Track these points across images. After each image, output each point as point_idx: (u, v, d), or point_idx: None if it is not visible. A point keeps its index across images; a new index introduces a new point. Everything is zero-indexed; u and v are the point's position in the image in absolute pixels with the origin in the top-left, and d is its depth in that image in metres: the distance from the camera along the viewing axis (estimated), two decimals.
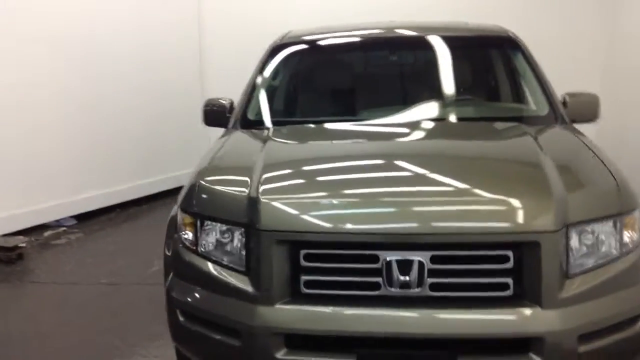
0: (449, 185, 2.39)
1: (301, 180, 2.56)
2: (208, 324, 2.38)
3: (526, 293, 2.16)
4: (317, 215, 2.25)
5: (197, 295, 2.42)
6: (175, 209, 2.71)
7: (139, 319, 3.97)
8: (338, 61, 3.85)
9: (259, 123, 3.42)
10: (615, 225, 2.28)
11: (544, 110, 3.35)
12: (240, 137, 3.19)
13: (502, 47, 3.73)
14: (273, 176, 2.50)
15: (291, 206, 2.29)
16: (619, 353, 2.26)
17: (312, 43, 3.86)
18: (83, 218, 6.24)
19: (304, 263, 2.22)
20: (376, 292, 2.19)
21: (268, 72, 3.70)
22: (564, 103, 3.43)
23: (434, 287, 2.16)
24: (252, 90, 3.59)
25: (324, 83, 3.76)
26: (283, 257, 2.23)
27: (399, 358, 2.15)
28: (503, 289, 2.17)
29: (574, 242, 2.21)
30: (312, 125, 3.27)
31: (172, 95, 7.16)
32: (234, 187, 2.48)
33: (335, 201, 2.31)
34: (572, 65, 6.43)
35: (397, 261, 2.16)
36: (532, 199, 2.22)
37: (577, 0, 6.90)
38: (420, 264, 2.15)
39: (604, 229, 2.27)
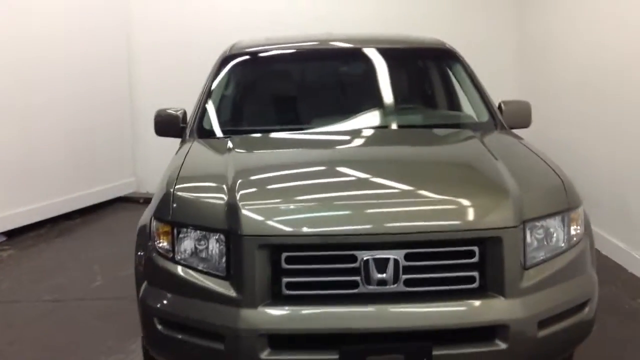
0: (418, 187, 2.57)
1: (275, 187, 2.67)
2: (189, 330, 2.42)
3: (490, 285, 2.35)
4: (297, 219, 2.37)
5: (175, 302, 2.46)
6: (145, 219, 2.74)
7: (90, 335, 3.91)
8: (288, 72, 3.98)
9: (215, 133, 3.48)
10: (563, 221, 2.53)
11: (485, 117, 3.61)
12: (202, 147, 3.25)
13: (442, 58, 3.98)
14: (247, 183, 2.58)
15: (271, 212, 2.39)
16: (571, 336, 2.50)
17: (262, 54, 3.98)
18: (13, 235, 6.00)
19: (285, 266, 2.32)
20: (355, 290, 2.32)
21: (221, 82, 3.77)
22: (500, 110, 3.71)
23: (408, 282, 2.32)
24: (206, 100, 3.64)
25: (276, 93, 3.88)
26: (264, 261, 2.31)
27: (378, 352, 2.28)
28: (470, 282, 2.35)
29: (529, 236, 2.43)
30: (271, 135, 3.38)
31: (101, 107, 7.00)
32: (209, 194, 2.55)
33: (312, 205, 2.44)
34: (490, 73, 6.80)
35: (374, 260, 2.30)
36: (493, 199, 2.44)
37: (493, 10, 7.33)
38: (396, 261, 2.30)
39: (554, 224, 2.50)
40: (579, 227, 2.58)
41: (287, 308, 2.30)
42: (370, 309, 2.29)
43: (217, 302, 2.36)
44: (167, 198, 2.56)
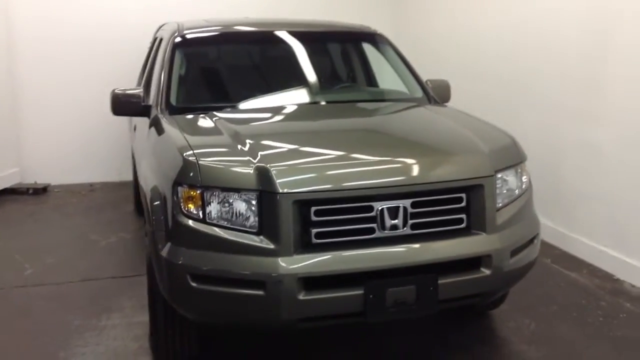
0: (414, 147, 3.05)
1: (291, 150, 2.97)
2: (225, 281, 2.65)
3: (474, 224, 2.88)
4: (324, 177, 2.71)
5: (210, 258, 2.67)
6: (153, 187, 2.97)
7: (53, 317, 3.90)
8: (245, 52, 4.24)
9: (185, 110, 3.66)
10: (516, 171, 3.13)
11: (419, 93, 4.17)
12: (187, 121, 3.44)
13: (375, 42, 4.47)
14: (264, 148, 2.88)
15: (300, 172, 2.72)
16: (528, 264, 3.11)
17: (218, 35, 4.22)
18: None
19: (314, 218, 2.66)
20: (372, 236, 2.72)
21: (178, 63, 3.93)
22: None
23: (414, 226, 2.77)
24: (169, 79, 3.79)
25: (237, 72, 4.12)
26: (297, 215, 2.64)
27: (396, 284, 2.70)
28: (459, 223, 2.86)
29: (498, 184, 3.00)
30: (253, 107, 3.67)
31: None
32: (232, 159, 2.81)
33: (334, 164, 2.79)
34: None
35: (388, 208, 2.72)
36: (474, 154, 2.97)
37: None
38: (404, 209, 2.74)
39: (512, 174, 3.09)
40: (525, 177, 3.21)
41: (318, 254, 2.65)
42: (386, 249, 2.71)
43: (254, 254, 2.64)
44: (191, 164, 2.76)
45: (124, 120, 7.38)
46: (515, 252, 2.96)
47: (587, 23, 4.61)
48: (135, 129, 4.60)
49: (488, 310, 3.81)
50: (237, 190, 2.68)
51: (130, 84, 7.09)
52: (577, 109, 4.76)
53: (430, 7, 7.16)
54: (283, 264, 2.60)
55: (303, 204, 2.65)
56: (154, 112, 3.68)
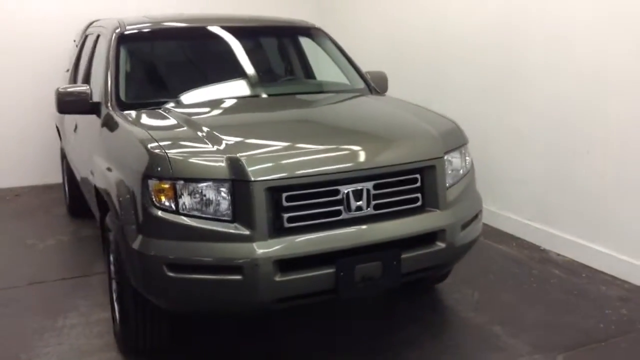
0: (373, 133, 3.25)
1: (256, 140, 3.08)
2: (201, 269, 2.75)
3: (428, 202, 3.12)
4: (293, 164, 2.86)
5: (185, 248, 2.76)
6: (113, 183, 3.04)
7: (8, 322, 3.83)
8: (188, 47, 4.28)
9: (135, 105, 3.68)
10: (461, 153, 3.40)
11: (360, 84, 4.39)
12: (143, 115, 3.48)
13: (314, 35, 4.64)
14: (228, 139, 2.97)
15: (270, 160, 2.85)
16: (473, 238, 3.38)
17: (162, 30, 4.25)
18: None
19: (285, 203, 2.81)
20: (339, 217, 2.90)
21: (123, 58, 3.94)
22: None
23: (376, 207, 2.98)
24: (116, 76, 3.80)
25: (182, 67, 4.18)
26: (269, 201, 2.77)
27: (363, 261, 2.90)
28: (415, 202, 3.10)
29: (446, 165, 3.25)
30: (202, 101, 3.76)
31: None
32: (200, 150, 2.90)
33: (301, 152, 2.94)
34: None
35: (353, 191, 2.91)
36: (426, 138, 3.21)
37: None
38: (367, 191, 2.94)
39: (458, 155, 3.36)
40: (468, 158, 3.49)
41: (291, 237, 2.80)
42: (353, 229, 2.90)
43: (229, 241, 2.75)
44: (160, 157, 2.82)
45: (46, 123, 7.20)
46: (464, 227, 3.23)
47: (505, 15, 4.99)
48: (75, 128, 4.53)
49: (434, 284, 4.09)
50: (209, 180, 2.78)
51: (53, 88, 6.94)
52: (501, 97, 5.14)
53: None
54: (259, 249, 2.73)
55: (274, 190, 2.79)
56: (104, 109, 3.67)
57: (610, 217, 4.27)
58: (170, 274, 2.77)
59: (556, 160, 4.68)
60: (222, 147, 2.89)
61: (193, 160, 2.84)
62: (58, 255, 5.11)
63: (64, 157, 6.05)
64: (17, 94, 7.15)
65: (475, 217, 3.40)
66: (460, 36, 5.52)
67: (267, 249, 2.74)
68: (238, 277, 2.73)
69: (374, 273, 2.92)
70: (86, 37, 5.34)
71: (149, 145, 2.92)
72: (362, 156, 3.00)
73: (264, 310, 3.10)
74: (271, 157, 2.88)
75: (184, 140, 3.04)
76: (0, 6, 6.97)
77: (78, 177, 5.03)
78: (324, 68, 4.84)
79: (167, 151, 2.85)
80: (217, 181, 2.78)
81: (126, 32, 4.06)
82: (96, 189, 3.54)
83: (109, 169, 3.28)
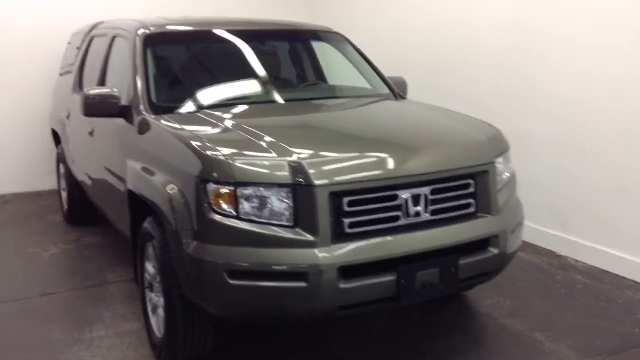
0: (426, 138, 3.22)
1: (315, 144, 3.01)
2: (268, 276, 2.67)
3: (480, 208, 3.10)
4: (355, 169, 2.80)
5: (249, 254, 2.67)
6: (163, 188, 2.93)
7: (28, 335, 3.66)
8: (215, 48, 4.17)
9: (169, 109, 3.57)
10: (505, 158, 3.40)
11: (385, 89, 4.36)
12: (186, 119, 3.37)
13: (337, 41, 4.59)
14: (285, 143, 2.89)
15: (332, 164, 2.79)
16: (519, 244, 3.37)
17: (189, 32, 4.15)
18: None
19: (347, 209, 2.75)
20: (398, 223, 2.85)
21: (155, 59, 3.83)
22: None
23: (432, 212, 2.94)
24: (146, 79, 3.68)
25: (212, 68, 4.07)
26: (331, 206, 2.71)
27: (424, 268, 2.85)
28: (469, 208, 3.07)
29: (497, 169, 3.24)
30: (240, 104, 3.69)
31: None
32: (261, 155, 2.81)
33: (362, 157, 2.88)
34: None
35: (412, 196, 2.87)
36: (477, 143, 3.20)
37: None
38: (425, 196, 2.90)
39: (503, 161, 3.35)
40: (510, 163, 3.49)
41: (353, 243, 2.74)
42: (414, 235, 2.86)
43: (291, 247, 2.66)
44: (221, 162, 2.73)
45: (34, 128, 6.96)
46: (514, 232, 3.22)
47: (517, 18, 5.04)
48: (92, 132, 4.37)
49: (463, 291, 4.06)
50: (271, 185, 2.70)
51: (41, 92, 6.77)
52: (512, 101, 5.17)
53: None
54: (323, 255, 2.66)
55: (337, 195, 2.72)
56: (136, 113, 3.55)
57: (630, 222, 4.32)
58: (231, 282, 2.68)
59: (570, 164, 4.72)
60: (281, 151, 2.82)
61: (254, 164, 2.75)
62: (65, 264, 4.93)
63: (62, 162, 5.84)
64: (3, 98, 6.91)
65: (520, 224, 3.39)
66: (467, 40, 5.54)
67: (331, 255, 2.67)
68: (302, 284, 2.65)
69: (433, 280, 2.88)
70: (92, 39, 5.18)
71: (207, 151, 2.83)
72: (420, 161, 2.97)
73: (326, 318, 3.03)
74: (333, 161, 2.82)
75: (241, 145, 2.95)
76: None
77: (87, 183, 4.86)
78: (339, 73, 4.78)
79: (227, 156, 2.76)
80: (279, 186, 2.70)
81: (152, 34, 3.94)
82: (131, 194, 3.41)
83: (150, 173, 3.17)
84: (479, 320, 3.79)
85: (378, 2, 6.90)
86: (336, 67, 4.83)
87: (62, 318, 3.88)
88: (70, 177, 5.57)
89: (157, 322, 3.27)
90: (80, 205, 5.63)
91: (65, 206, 5.92)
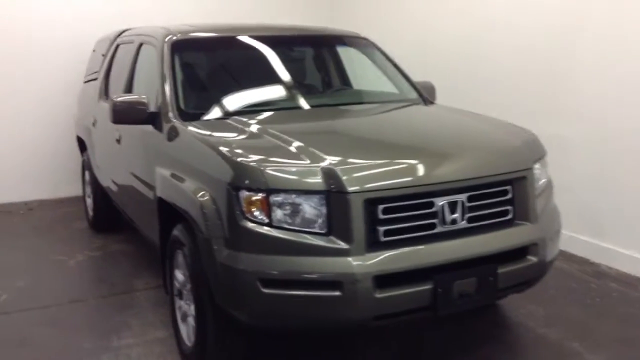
0: (461, 143, 3.14)
1: (346, 150, 2.95)
2: (301, 284, 2.61)
3: (518, 215, 3.01)
4: (390, 175, 2.73)
5: (282, 262, 2.62)
6: (194, 195, 2.87)
7: (56, 342, 3.64)
8: (243, 54, 4.13)
9: (196, 116, 3.53)
10: (542, 164, 3.31)
11: (413, 94, 4.29)
12: (216, 126, 3.34)
13: (365, 46, 4.53)
14: (317, 149, 2.83)
15: (366, 171, 2.72)
16: (557, 253, 3.27)
17: (216, 38, 4.12)
18: None
19: (381, 216, 2.68)
20: (434, 231, 2.78)
21: (182, 66, 3.80)
22: None
23: (469, 220, 2.86)
24: (174, 85, 3.65)
25: (240, 74, 4.03)
26: (366, 214, 2.64)
27: (460, 277, 2.77)
28: (506, 215, 2.99)
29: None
30: (268, 110, 3.64)
31: None
32: (293, 162, 2.76)
33: (396, 162, 2.82)
34: None
35: (448, 203, 2.79)
36: (515, 148, 3.11)
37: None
38: (462, 203, 2.83)
39: (540, 167, 3.26)
40: (546, 169, 3.40)
41: (388, 252, 2.67)
42: (450, 243, 2.78)
43: (325, 255, 2.60)
44: (253, 169, 2.68)
45: (57, 136, 7.01)
46: (551, 240, 3.13)
47: (553, 21, 4.94)
48: (119, 139, 4.35)
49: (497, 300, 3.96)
50: (304, 192, 2.65)
51: (65, 99, 6.81)
52: (543, 102, 5.06)
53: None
54: (358, 263, 2.59)
55: (371, 202, 2.66)
56: (165, 120, 3.52)
57: None
58: (264, 290, 2.62)
59: (603, 168, 4.61)
60: (313, 158, 2.76)
61: (287, 171, 2.70)
62: (91, 271, 4.91)
63: (87, 168, 5.84)
64: (29, 105, 6.96)
65: (558, 231, 3.30)
66: (497, 41, 5.44)
67: (366, 264, 2.60)
68: (337, 293, 2.59)
69: (470, 289, 2.80)
70: (117, 46, 5.17)
71: (239, 157, 2.79)
72: (457, 167, 2.89)
73: (361, 328, 2.96)
74: (366, 168, 2.75)
75: (272, 152, 2.90)
76: (14, 15, 6.78)
77: (113, 189, 4.85)
78: (365, 77, 4.72)
79: (258, 162, 2.72)
80: (312, 193, 2.65)
81: (180, 40, 3.92)
82: (160, 201, 3.38)
83: (180, 179, 3.13)
84: (514, 329, 3.70)
85: (402, 3, 6.82)
86: (362, 72, 4.76)
87: (90, 325, 3.85)
88: (95, 184, 5.56)
89: (187, 331, 3.23)
90: (105, 212, 5.62)
91: (90, 213, 5.92)
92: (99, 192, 5.49)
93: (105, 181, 5.14)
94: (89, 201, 5.94)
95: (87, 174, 5.93)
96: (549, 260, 3.06)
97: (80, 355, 3.45)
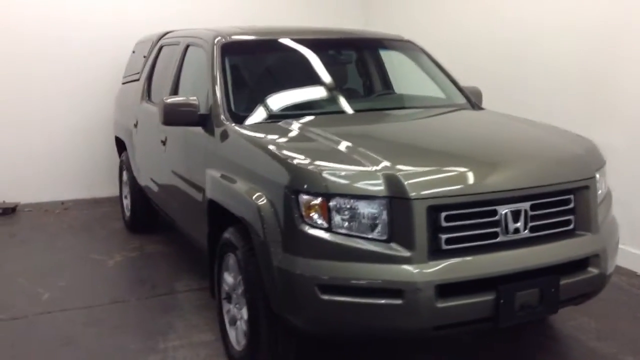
0: (522, 150, 3.06)
1: (407, 156, 2.91)
2: (361, 291, 2.56)
3: (579, 225, 2.93)
4: (452, 182, 2.67)
5: (341, 268, 2.57)
6: (250, 198, 2.84)
7: (101, 344, 3.62)
8: (292, 57, 4.09)
9: (247, 118, 3.51)
10: (602, 173, 3.22)
11: (461, 99, 4.22)
12: (271, 129, 3.30)
13: (412, 50, 4.48)
14: (379, 154, 2.78)
15: (429, 177, 2.66)
16: (615, 266, 3.18)
17: (264, 41, 4.10)
18: None
19: (444, 224, 2.62)
20: (496, 240, 2.71)
21: (232, 68, 3.78)
22: None
23: (532, 229, 2.79)
24: (225, 87, 3.63)
25: (293, 79, 3.98)
26: (428, 221, 2.58)
27: (523, 287, 2.70)
28: (568, 224, 2.91)
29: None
30: (320, 114, 3.62)
31: None
32: (353, 166, 2.71)
33: (459, 169, 2.75)
34: None
35: (511, 212, 2.72)
36: (577, 157, 3.03)
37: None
38: (525, 212, 2.76)
39: (601, 175, 3.18)
40: (605, 178, 3.31)
41: (450, 260, 2.61)
42: (513, 253, 2.71)
43: (385, 262, 2.55)
44: (314, 173, 2.64)
45: (93, 136, 7.05)
46: (611, 252, 3.04)
47: (595, 24, 4.81)
48: (165, 141, 4.34)
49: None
50: (366, 197, 2.60)
51: (102, 100, 6.85)
52: (586, 105, 4.93)
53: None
54: (420, 271, 2.54)
55: (434, 209, 2.60)
56: (217, 122, 3.49)
57: None
58: (323, 296, 2.58)
59: None
60: (373, 162, 2.71)
61: (347, 175, 2.66)
62: (130, 272, 4.91)
63: (125, 169, 5.85)
64: (65, 105, 7.02)
65: (617, 242, 3.21)
66: (537, 41, 5.32)
67: (428, 272, 2.54)
68: (398, 301, 2.54)
69: (532, 300, 2.72)
70: (161, 47, 5.18)
71: (296, 160, 2.76)
72: (520, 175, 2.82)
73: (421, 338, 2.90)
74: (429, 173, 2.69)
75: (329, 155, 2.86)
76: (53, 14, 6.85)
77: (155, 190, 4.85)
78: (409, 81, 4.66)
79: (317, 166, 2.68)
80: (374, 198, 2.60)
81: (230, 42, 3.90)
82: (211, 203, 3.35)
83: (231, 181, 3.11)
84: (565, 342, 3.61)
85: (438, 3, 6.73)
86: (406, 75, 4.70)
87: (134, 326, 3.83)
88: (134, 185, 5.56)
89: (236, 335, 3.19)
90: (143, 213, 5.62)
91: (127, 213, 5.92)
92: (138, 193, 5.49)
93: (145, 182, 5.13)
94: (126, 202, 5.95)
95: (125, 174, 5.94)
96: (609, 272, 2.98)
97: (127, 356, 3.44)
